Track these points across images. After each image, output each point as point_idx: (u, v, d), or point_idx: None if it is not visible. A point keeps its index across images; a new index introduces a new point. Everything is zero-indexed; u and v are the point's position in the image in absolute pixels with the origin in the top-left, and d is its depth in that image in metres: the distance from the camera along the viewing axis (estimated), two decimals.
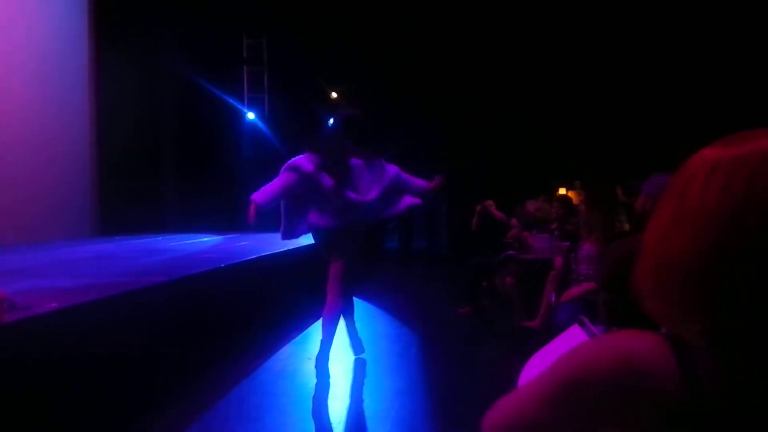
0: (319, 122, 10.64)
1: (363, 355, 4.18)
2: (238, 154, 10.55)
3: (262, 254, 5.53)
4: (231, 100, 10.30)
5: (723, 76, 8.42)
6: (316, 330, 5.15)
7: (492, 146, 10.48)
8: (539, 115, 10.22)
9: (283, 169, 3.68)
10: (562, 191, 7.82)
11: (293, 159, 3.71)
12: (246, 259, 5.19)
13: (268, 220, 10.78)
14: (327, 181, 3.65)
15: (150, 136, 9.74)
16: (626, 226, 3.53)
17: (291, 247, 6.44)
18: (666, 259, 0.65)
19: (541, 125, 10.22)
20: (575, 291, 3.52)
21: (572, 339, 2.04)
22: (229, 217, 9.94)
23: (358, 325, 4.32)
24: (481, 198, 7.93)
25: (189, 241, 7.60)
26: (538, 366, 1.88)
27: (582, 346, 0.67)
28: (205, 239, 7.91)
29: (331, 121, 4.00)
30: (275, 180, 3.65)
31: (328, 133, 3.92)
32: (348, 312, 4.10)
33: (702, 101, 8.60)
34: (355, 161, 3.78)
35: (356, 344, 4.21)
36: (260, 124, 10.71)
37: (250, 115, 10.56)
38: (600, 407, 0.62)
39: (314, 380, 3.78)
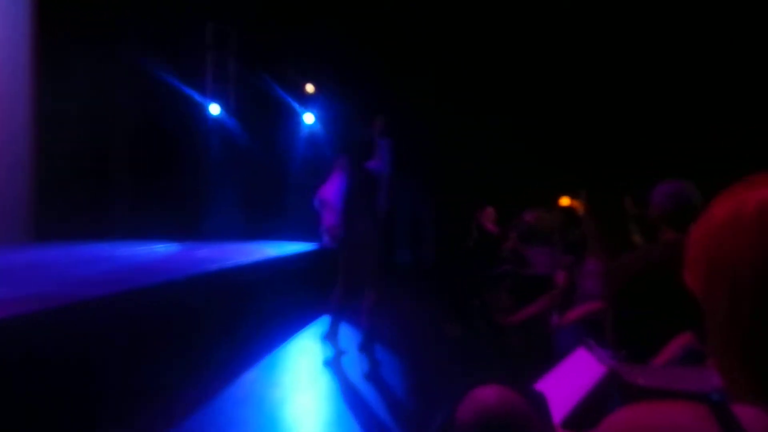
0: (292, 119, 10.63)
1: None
2: (200, 153, 10.46)
3: (225, 265, 5.46)
4: (191, 92, 10.22)
5: (739, 81, 8.57)
6: (284, 353, 5.13)
7: (489, 150, 10.53)
8: (543, 118, 10.29)
9: None
10: (565, 200, 7.88)
11: None
12: (206, 270, 5.12)
13: (227, 228, 10.64)
14: None
15: (100, 132, 9.60)
16: (636, 238, 3.54)
17: (258, 258, 6.40)
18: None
19: (546, 129, 10.29)
20: (580, 311, 3.52)
21: (579, 363, 2.02)
22: (189, 223, 9.83)
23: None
24: (474, 207, 7.96)
25: (140, 250, 7.49)
26: (546, 393, 1.87)
27: (629, 414, 0.72)
28: (160, 247, 7.80)
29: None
30: None
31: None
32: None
33: (718, 108, 8.74)
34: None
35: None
36: (226, 119, 10.64)
37: (214, 109, 10.48)
38: None
39: (281, 409, 3.73)
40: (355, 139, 4.69)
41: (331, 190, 4.64)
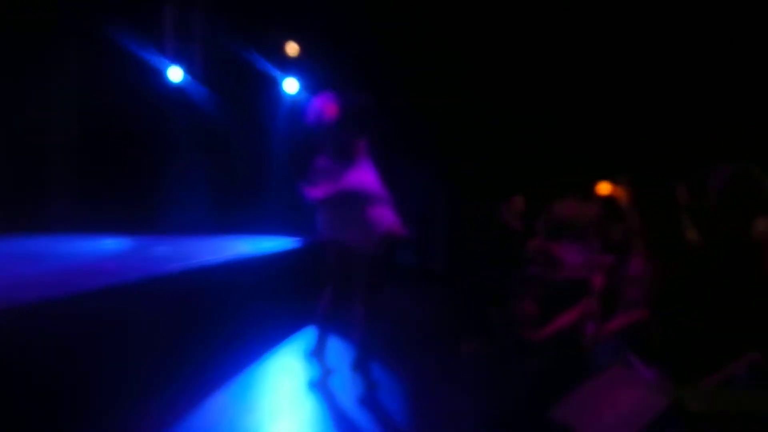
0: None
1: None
2: (158, 128, 10.41)
3: (190, 265, 5.48)
4: (146, 54, 10.14)
5: None
6: (261, 372, 5.14)
7: (510, 127, 10.50)
8: (575, 86, 10.24)
9: None
10: (604, 188, 7.89)
11: None
12: (166, 271, 5.13)
13: (192, 220, 10.53)
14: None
15: (34, 106, 9.56)
16: (691, 234, 3.55)
17: (229, 257, 6.41)
18: None
19: (579, 99, 10.25)
20: (621, 321, 3.54)
21: (615, 382, 2.05)
22: (145, 213, 9.80)
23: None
24: (493, 196, 7.95)
25: (86, 246, 7.50)
26: (577, 412, 1.88)
27: None
28: (109, 243, 7.81)
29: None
30: None
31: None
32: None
33: None
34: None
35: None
36: (189, 87, 10.57)
37: (175, 74, 10.41)
38: None
39: None
40: (372, 114, 4.67)
41: (370, 179, 4.57)
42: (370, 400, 4.45)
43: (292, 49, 10.41)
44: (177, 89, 10.52)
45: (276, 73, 10.48)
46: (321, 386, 4.70)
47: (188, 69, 10.53)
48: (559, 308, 4.48)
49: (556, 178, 8.59)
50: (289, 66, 10.49)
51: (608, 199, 5.50)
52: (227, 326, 5.62)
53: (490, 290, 5.87)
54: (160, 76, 10.36)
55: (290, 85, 10.50)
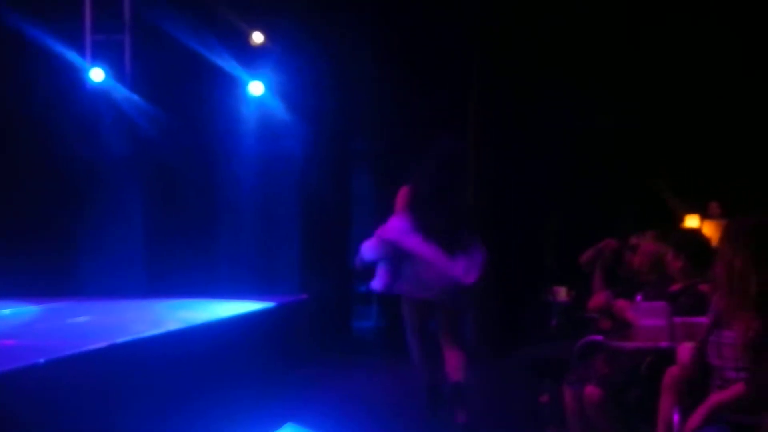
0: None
1: None
2: (75, 148, 10.41)
3: (118, 341, 5.49)
4: (59, 47, 10.19)
5: None
6: None
7: (556, 146, 10.58)
8: (650, 97, 10.39)
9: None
10: (691, 221, 7.96)
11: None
12: (89, 349, 5.15)
13: (123, 275, 10.38)
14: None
15: None
16: None
17: (178, 328, 6.42)
18: None
19: (654, 112, 10.37)
20: (715, 400, 3.58)
21: None
22: (57, 268, 9.73)
23: None
24: (532, 236, 7.96)
25: None
26: None
27: None
28: (6, 312, 7.81)
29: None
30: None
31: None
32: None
33: None
34: None
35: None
36: (117, 91, 10.57)
37: (96, 75, 10.45)
38: None
39: None
40: None
41: None
42: None
43: (257, 38, 10.50)
44: (101, 94, 10.52)
45: (236, 70, 10.55)
46: None
47: (114, 69, 10.51)
48: (632, 393, 4.49)
49: (626, 208, 8.69)
50: (254, 61, 10.55)
51: (694, 238, 5.54)
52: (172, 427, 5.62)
53: (538, 367, 5.90)
54: (77, 78, 10.40)
55: (255, 88, 10.57)
